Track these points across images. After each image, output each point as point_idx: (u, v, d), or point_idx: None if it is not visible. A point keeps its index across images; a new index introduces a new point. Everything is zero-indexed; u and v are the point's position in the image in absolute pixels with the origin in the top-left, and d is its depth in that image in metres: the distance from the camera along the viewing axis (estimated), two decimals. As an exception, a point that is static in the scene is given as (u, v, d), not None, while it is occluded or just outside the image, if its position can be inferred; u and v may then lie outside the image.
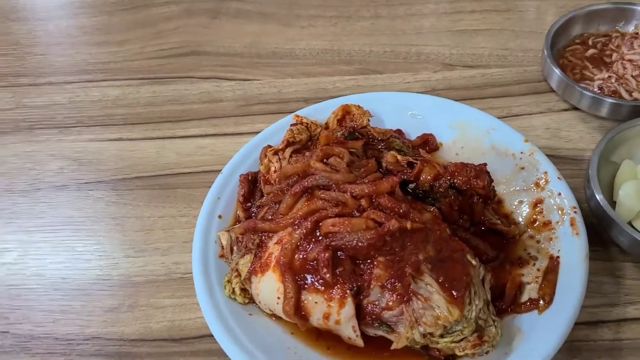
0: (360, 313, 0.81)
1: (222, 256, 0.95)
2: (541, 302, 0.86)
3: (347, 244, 0.81)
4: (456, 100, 1.12)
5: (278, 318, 0.88)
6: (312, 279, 0.82)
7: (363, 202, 0.84)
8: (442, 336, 0.80)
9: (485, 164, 0.91)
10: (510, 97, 1.18)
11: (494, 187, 0.92)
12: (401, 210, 0.84)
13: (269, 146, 1.03)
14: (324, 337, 0.87)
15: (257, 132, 1.12)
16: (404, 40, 1.33)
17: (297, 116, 1.08)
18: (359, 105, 1.04)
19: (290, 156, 1.02)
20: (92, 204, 1.11)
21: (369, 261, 0.81)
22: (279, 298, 0.84)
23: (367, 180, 0.87)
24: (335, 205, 0.85)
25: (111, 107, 1.27)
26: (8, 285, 1.01)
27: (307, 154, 0.98)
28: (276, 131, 1.07)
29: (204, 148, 1.17)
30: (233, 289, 0.90)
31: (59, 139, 1.22)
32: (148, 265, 1.01)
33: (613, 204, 0.97)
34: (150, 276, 1.00)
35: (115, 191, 1.12)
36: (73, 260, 1.03)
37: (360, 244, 0.80)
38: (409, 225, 0.81)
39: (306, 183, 0.88)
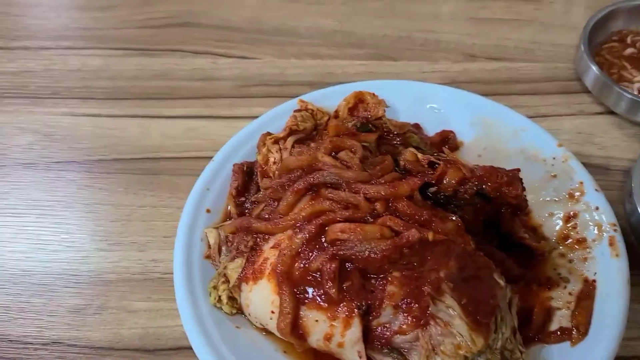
0: (368, 336, 0.69)
1: (208, 257, 0.82)
2: (574, 332, 0.74)
3: (357, 254, 0.69)
4: (479, 94, 1.00)
5: (270, 333, 0.76)
6: (314, 293, 0.70)
7: (378, 205, 0.72)
8: (464, 367, 0.68)
9: (518, 170, 0.80)
10: (537, 96, 1.06)
11: (525, 196, 0.80)
12: (422, 218, 0.72)
13: (269, 133, 0.91)
14: (322, 360, 0.75)
15: (255, 117, 0.99)
16: (421, 26, 1.20)
17: (302, 101, 0.95)
18: (373, 94, 0.91)
19: (293, 146, 0.89)
20: (62, 187, 0.97)
21: (381, 276, 0.69)
22: (273, 312, 0.72)
23: (383, 181, 0.75)
24: (345, 208, 0.73)
25: (91, 78, 1.13)
26: (-43, 274, 0.87)
27: (312, 145, 0.85)
28: (277, 117, 0.95)
29: (194, 131, 1.04)
30: (219, 296, 0.78)
31: (29, 111, 1.08)
32: (122, 261, 0.89)
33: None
34: (124, 274, 0.87)
35: (90, 173, 0.99)
36: (36, 250, 0.90)
37: (373, 255, 0.68)
38: (430, 236, 0.69)
39: (312, 179, 0.75)
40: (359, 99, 0.91)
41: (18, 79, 1.14)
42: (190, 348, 0.74)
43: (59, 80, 1.13)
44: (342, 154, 0.78)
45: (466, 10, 1.23)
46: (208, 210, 0.86)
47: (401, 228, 0.70)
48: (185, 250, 0.82)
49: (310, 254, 0.71)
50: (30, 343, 0.81)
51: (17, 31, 1.23)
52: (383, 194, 0.72)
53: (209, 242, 0.83)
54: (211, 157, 0.92)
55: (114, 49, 1.18)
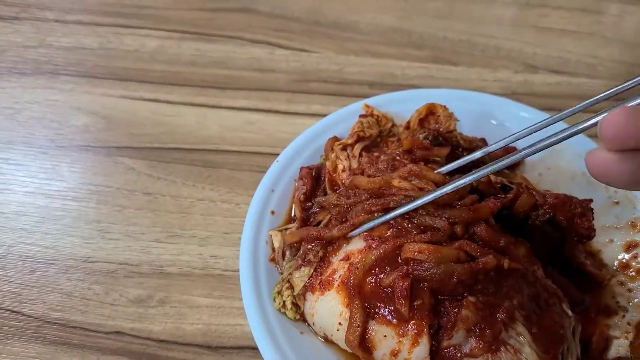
0: (436, 356, 0.71)
1: (272, 260, 0.83)
2: (633, 363, 0.76)
3: (432, 276, 0.69)
4: (539, 109, 1.00)
5: (331, 342, 0.77)
6: (385, 309, 0.71)
7: (458, 228, 0.73)
8: (529, 395, 0.70)
9: (591, 200, 0.80)
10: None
11: (594, 228, 0.81)
12: (500, 244, 0.73)
13: (336, 138, 0.91)
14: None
15: (313, 115, 0.99)
16: (482, 30, 1.19)
17: (368, 106, 0.95)
18: (445, 106, 0.91)
19: (360, 154, 0.89)
20: (121, 173, 0.97)
21: (457, 298, 0.70)
22: (340, 324, 0.73)
23: (461, 203, 0.75)
24: (422, 231, 0.73)
25: (148, 60, 1.12)
26: (21, 257, 0.88)
27: (381, 157, 0.85)
28: (341, 119, 0.95)
29: (252, 124, 1.03)
30: (284, 302, 0.79)
31: (86, 91, 1.07)
32: (183, 254, 0.89)
33: None
34: (185, 268, 0.88)
35: (149, 161, 0.99)
36: (97, 237, 0.91)
37: (448, 278, 0.69)
38: (506, 264, 0.70)
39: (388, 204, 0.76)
40: (431, 111, 0.91)
41: (73, 55, 1.12)
42: (251, 348, 0.76)
43: (114, 60, 1.12)
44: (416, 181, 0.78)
45: (527, 17, 1.22)
46: (272, 212, 0.87)
47: (478, 253, 0.71)
48: (252, 252, 0.82)
49: (383, 270, 0.72)
50: (94, 331, 0.82)
51: (72, 4, 1.21)
52: (464, 217, 0.72)
53: (273, 245, 0.84)
54: (270, 154, 0.92)
55: (171, 31, 1.17)
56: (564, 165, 0.93)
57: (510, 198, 0.78)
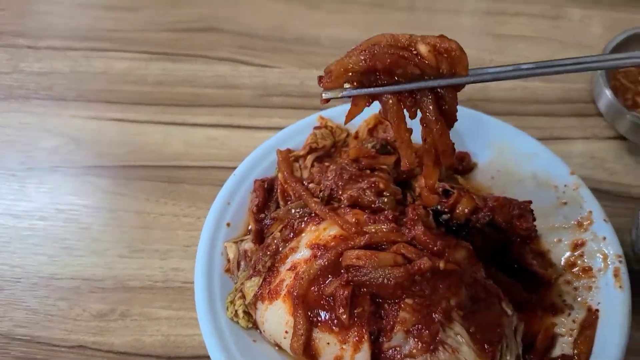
0: (378, 358, 0.73)
1: (227, 270, 0.86)
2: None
3: (371, 280, 0.72)
4: (494, 115, 1.02)
5: (283, 349, 0.80)
6: (327, 317, 0.74)
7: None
8: (469, 392, 0.72)
9: (530, 202, 0.82)
10: (552, 117, 1.08)
11: (536, 227, 0.83)
12: (435, 248, 0.75)
13: (289, 151, 0.94)
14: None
15: (274, 128, 1.02)
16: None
17: (322, 118, 0.98)
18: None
19: (312, 165, 0.92)
20: (88, 193, 1.01)
21: (395, 301, 0.73)
22: (286, 332, 0.76)
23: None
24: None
25: (116, 81, 1.16)
26: (-10, 276, 0.92)
27: (330, 167, 0.87)
28: (297, 132, 0.98)
29: (215, 140, 1.07)
30: (236, 311, 0.81)
31: (56, 113, 1.11)
32: (145, 268, 0.93)
33: (661, 253, 0.88)
34: (147, 282, 0.91)
35: (115, 179, 1.03)
36: (63, 255, 0.94)
37: (386, 282, 0.72)
38: (442, 265, 0.73)
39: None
40: (379, 120, 0.93)
41: (45, 79, 1.17)
42: (208, 357, 0.78)
43: (84, 82, 1.16)
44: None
45: (486, 25, 1.24)
46: (228, 225, 0.90)
47: (414, 256, 0.73)
48: (207, 264, 0.85)
49: (326, 278, 0.74)
50: (57, 346, 0.85)
51: (44, 30, 1.26)
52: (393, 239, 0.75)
53: (228, 256, 0.87)
54: (230, 168, 0.95)
55: (139, 52, 1.20)
56: (513, 168, 0.95)
57: (450, 203, 0.81)
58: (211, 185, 0.99)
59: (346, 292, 0.72)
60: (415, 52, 0.63)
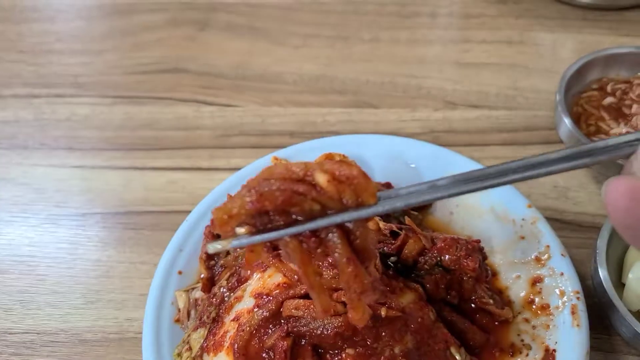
0: (322, 413, 0.71)
1: (177, 320, 0.85)
2: (532, 404, 0.75)
3: (310, 331, 0.70)
4: (456, 146, 1.01)
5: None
6: (268, 369, 0.72)
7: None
8: None
9: (478, 241, 0.80)
10: (516, 146, 1.06)
11: (487, 267, 0.81)
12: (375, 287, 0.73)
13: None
14: None
15: (233, 169, 1.01)
16: (404, 70, 1.20)
17: (276, 159, 0.97)
18: (343, 155, 0.92)
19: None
20: (46, 242, 1.00)
21: (337, 352, 0.71)
22: (230, 386, 0.74)
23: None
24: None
25: (79, 127, 1.16)
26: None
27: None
28: (253, 173, 0.96)
29: (175, 183, 1.06)
30: (181, 363, 0.80)
31: (18, 162, 1.11)
32: (99, 320, 0.91)
33: (622, 285, 0.85)
34: (100, 333, 0.90)
35: (74, 229, 1.02)
36: (18, 308, 0.93)
37: (325, 332, 0.70)
38: (383, 312, 0.71)
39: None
40: (328, 160, 0.92)
41: (8, 128, 1.17)
42: (158, 412, 0.77)
43: (47, 129, 1.16)
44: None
45: (450, 54, 1.23)
46: (180, 272, 0.88)
47: (354, 304, 0.71)
48: (155, 314, 0.84)
49: (268, 329, 0.73)
50: (6, 405, 0.84)
51: (10, 77, 1.27)
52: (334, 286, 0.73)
53: (178, 305, 0.86)
54: (189, 212, 0.94)
55: (103, 97, 1.21)
56: (471, 203, 0.93)
57: (397, 244, 0.79)
58: (170, 230, 0.97)
59: (286, 344, 0.70)
60: (313, 183, 0.53)
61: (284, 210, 0.53)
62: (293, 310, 0.71)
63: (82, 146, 1.13)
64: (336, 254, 0.54)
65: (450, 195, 0.54)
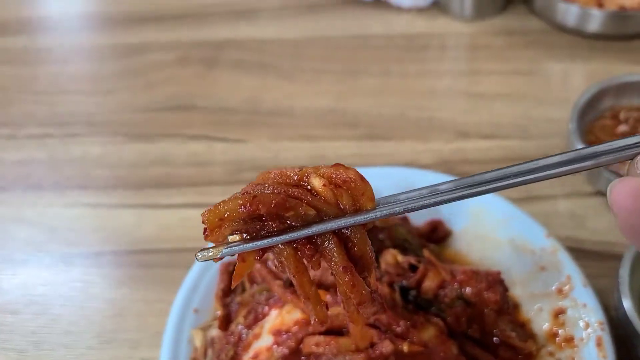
0: None
1: (194, 359, 0.83)
2: None
3: (332, 370, 0.69)
4: (470, 175, 1.00)
5: None
6: (289, 408, 0.70)
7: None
8: None
9: (499, 273, 0.79)
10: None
11: (508, 299, 0.79)
12: (399, 329, 0.72)
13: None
14: None
15: (247, 205, 1.00)
16: (415, 103, 1.21)
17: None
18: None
19: (279, 244, 0.90)
20: (60, 282, 1.00)
21: (358, 391, 0.69)
22: None
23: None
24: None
25: (91, 166, 1.16)
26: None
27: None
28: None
29: (188, 220, 1.05)
30: (202, 403, 0.78)
31: (32, 202, 1.11)
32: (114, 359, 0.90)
33: (648, 314, 0.83)
34: (115, 374, 0.88)
35: (87, 267, 1.01)
36: (31, 350, 0.92)
37: (347, 371, 0.68)
38: (405, 347, 0.69)
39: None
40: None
41: (23, 168, 1.17)
42: None
43: (61, 169, 1.16)
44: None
45: (460, 85, 1.24)
46: (196, 310, 0.87)
47: (376, 339, 0.70)
48: (172, 353, 0.83)
49: (288, 367, 0.71)
50: None
51: (25, 117, 1.27)
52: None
53: (195, 344, 0.84)
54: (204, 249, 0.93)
55: (115, 135, 1.21)
56: (489, 234, 0.92)
57: (416, 278, 0.78)
58: (184, 267, 0.96)
59: (307, 382, 0.68)
60: (309, 188, 0.51)
61: (278, 215, 0.49)
62: (313, 347, 0.70)
63: (95, 184, 1.13)
64: (332, 263, 0.50)
65: (451, 200, 0.52)
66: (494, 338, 0.82)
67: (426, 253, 0.82)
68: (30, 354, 0.92)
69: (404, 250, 0.84)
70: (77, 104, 1.29)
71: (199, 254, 0.52)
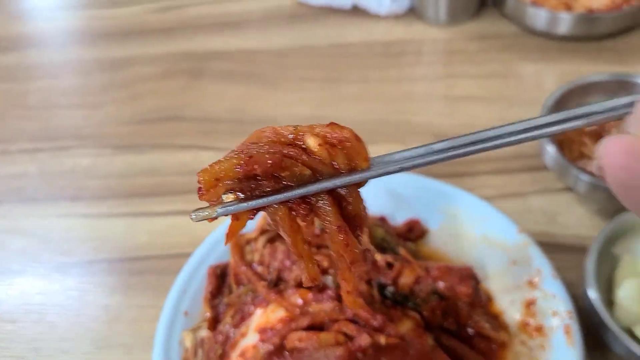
0: None
1: (185, 359, 0.87)
2: None
3: (314, 362, 0.73)
4: (447, 177, 1.05)
5: None
6: (275, 403, 0.75)
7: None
8: None
9: (470, 267, 0.84)
10: (505, 175, 1.10)
11: (481, 292, 0.84)
12: (376, 323, 0.76)
13: (241, 235, 0.96)
14: None
15: (234, 211, 1.05)
16: (394, 107, 1.25)
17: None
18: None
19: (264, 247, 0.94)
20: (55, 292, 1.04)
21: (340, 382, 0.73)
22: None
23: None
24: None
25: (82, 178, 1.20)
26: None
27: (280, 247, 0.90)
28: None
29: (177, 228, 1.10)
30: (193, 401, 0.82)
31: (25, 214, 1.15)
32: (109, 363, 0.94)
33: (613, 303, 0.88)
34: (110, 378, 0.93)
35: (81, 276, 1.05)
36: (31, 357, 0.96)
37: (328, 361, 0.73)
38: (383, 340, 0.74)
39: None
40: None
41: (16, 182, 1.21)
42: None
43: (53, 181, 1.20)
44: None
45: (437, 89, 1.28)
46: (186, 313, 0.91)
47: (354, 333, 0.74)
48: (163, 355, 0.87)
49: (272, 362, 0.76)
50: None
51: (16, 133, 1.32)
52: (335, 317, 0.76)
53: (186, 345, 0.88)
54: (192, 254, 0.97)
55: (104, 147, 1.25)
56: (464, 232, 0.97)
57: (392, 274, 0.82)
58: (175, 273, 1.00)
59: (290, 376, 0.73)
60: (303, 147, 0.51)
61: (273, 174, 0.50)
62: (296, 342, 0.74)
63: (86, 195, 1.17)
64: (326, 222, 0.51)
65: (444, 159, 0.53)
66: (469, 330, 0.86)
67: (402, 251, 0.87)
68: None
69: (382, 250, 0.89)
70: (67, 118, 1.34)
71: (193, 214, 0.52)
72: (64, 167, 1.23)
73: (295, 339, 0.75)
